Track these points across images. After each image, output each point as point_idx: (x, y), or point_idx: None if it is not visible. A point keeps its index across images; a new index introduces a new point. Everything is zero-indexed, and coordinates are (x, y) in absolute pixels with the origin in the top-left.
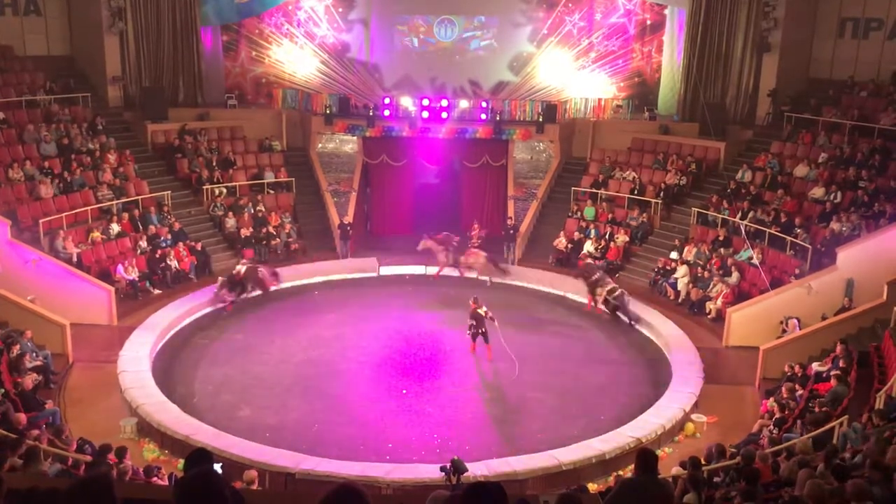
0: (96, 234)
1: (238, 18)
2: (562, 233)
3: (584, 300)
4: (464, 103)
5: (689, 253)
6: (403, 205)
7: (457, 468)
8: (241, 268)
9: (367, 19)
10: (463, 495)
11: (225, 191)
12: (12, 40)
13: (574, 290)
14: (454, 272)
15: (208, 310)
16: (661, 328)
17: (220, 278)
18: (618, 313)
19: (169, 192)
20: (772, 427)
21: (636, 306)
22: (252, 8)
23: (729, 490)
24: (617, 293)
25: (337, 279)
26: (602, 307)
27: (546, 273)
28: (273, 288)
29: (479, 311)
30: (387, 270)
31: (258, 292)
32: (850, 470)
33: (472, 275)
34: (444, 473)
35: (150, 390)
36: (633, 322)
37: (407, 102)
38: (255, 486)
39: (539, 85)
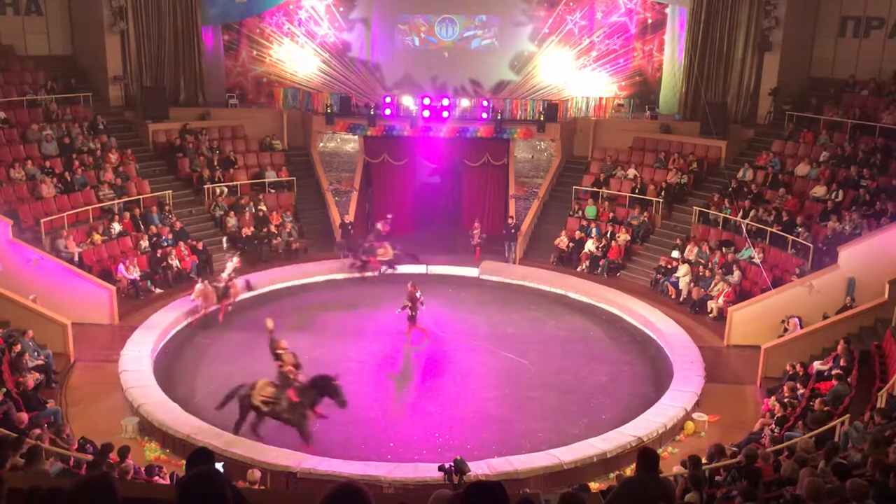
0: (97, 237)
1: (239, 18)
2: (563, 232)
3: (585, 299)
4: (465, 102)
5: (691, 252)
6: (405, 204)
7: (459, 468)
8: (227, 273)
9: (368, 18)
10: (464, 494)
11: (226, 190)
12: (13, 40)
13: (575, 289)
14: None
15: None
16: (662, 327)
17: (197, 286)
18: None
19: (170, 191)
20: (773, 426)
21: (636, 303)
22: (253, 7)
23: (730, 489)
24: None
25: (338, 278)
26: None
27: (547, 272)
28: (236, 299)
29: (416, 294)
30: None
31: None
32: (850, 469)
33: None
34: (443, 473)
35: (151, 390)
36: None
37: (408, 101)
38: (258, 486)
39: (540, 84)
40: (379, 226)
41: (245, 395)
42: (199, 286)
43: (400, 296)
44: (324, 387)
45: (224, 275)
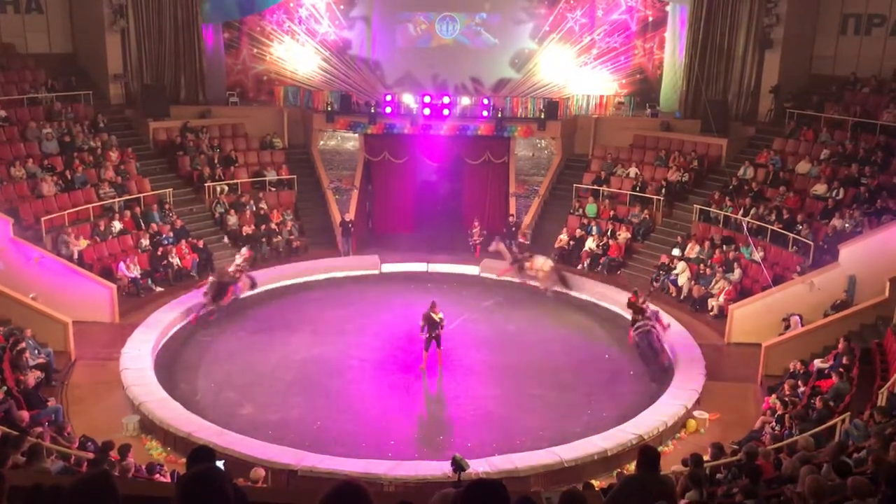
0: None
1: (240, 15)
2: (564, 230)
3: (585, 297)
4: (465, 100)
5: (692, 250)
6: (405, 202)
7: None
8: (237, 264)
9: (368, 16)
10: (464, 493)
11: (227, 188)
12: (14, 38)
13: (575, 287)
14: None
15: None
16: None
17: (210, 278)
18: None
19: (171, 189)
20: (774, 424)
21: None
22: (253, 5)
23: (731, 487)
24: (552, 264)
25: (339, 276)
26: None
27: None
28: (240, 296)
29: (433, 315)
30: (389, 268)
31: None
32: (852, 467)
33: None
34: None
35: (152, 388)
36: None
37: (408, 99)
38: (261, 485)
39: (541, 82)
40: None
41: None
42: (211, 279)
43: (399, 294)
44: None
45: (231, 268)
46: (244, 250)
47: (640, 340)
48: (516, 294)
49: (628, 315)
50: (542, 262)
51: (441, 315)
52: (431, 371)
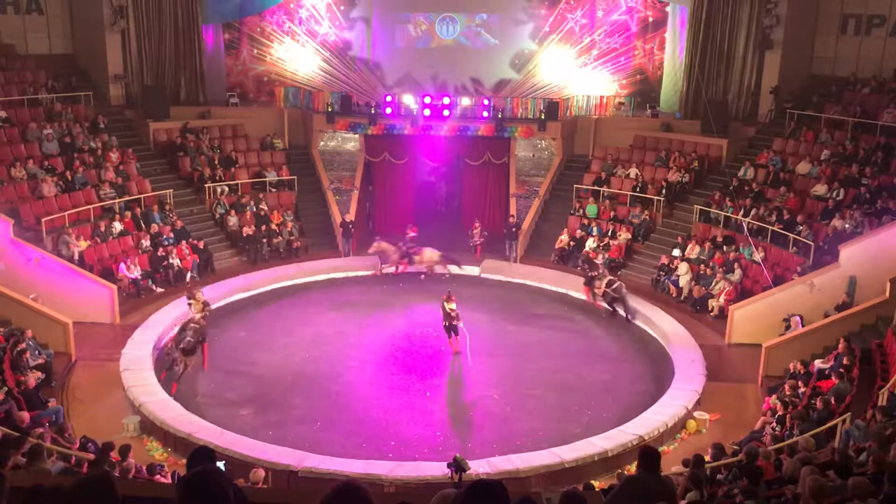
0: (97, 239)
1: (240, 16)
2: (564, 230)
3: (583, 296)
4: (466, 101)
5: (693, 250)
6: (405, 202)
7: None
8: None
9: (368, 17)
10: (465, 493)
11: (227, 189)
12: (14, 39)
13: (576, 288)
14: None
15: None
16: (663, 325)
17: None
18: (615, 307)
19: (171, 190)
20: (774, 424)
21: (635, 301)
22: (254, 6)
23: (731, 487)
24: (615, 286)
25: (339, 277)
26: (601, 301)
27: (548, 270)
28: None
29: (447, 305)
30: (389, 268)
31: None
32: (853, 467)
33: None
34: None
35: (152, 388)
36: (630, 317)
37: (409, 100)
38: (261, 485)
39: (541, 82)
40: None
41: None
42: (375, 243)
43: (399, 295)
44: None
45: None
46: (198, 295)
47: (615, 294)
48: (517, 294)
49: (623, 311)
50: (431, 253)
51: (454, 305)
52: (462, 356)
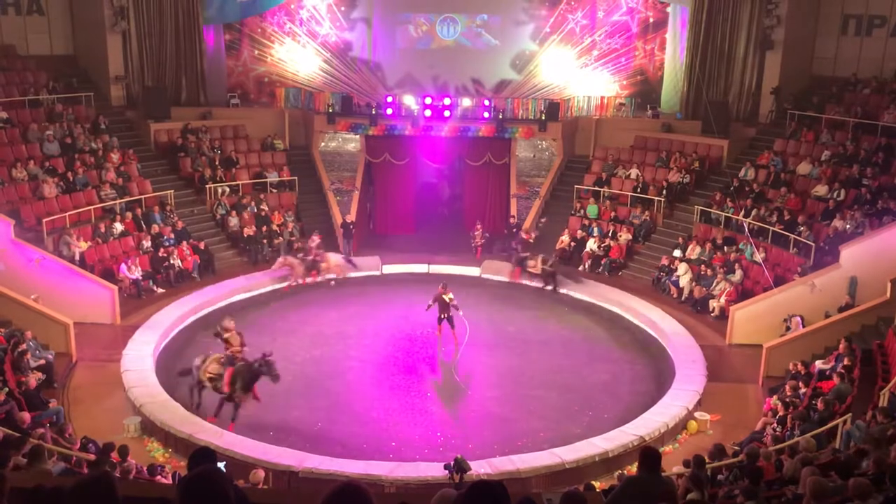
0: (98, 240)
1: (240, 17)
2: (565, 231)
3: (584, 297)
4: (466, 102)
5: (693, 251)
6: (406, 203)
7: (460, 467)
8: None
9: (369, 18)
10: (466, 494)
11: (228, 190)
12: (15, 39)
13: (576, 288)
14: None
15: (211, 308)
16: (664, 326)
17: (278, 259)
18: (548, 281)
19: (172, 191)
20: (775, 425)
21: (638, 302)
22: (254, 6)
23: (732, 488)
24: (551, 262)
25: (340, 278)
26: (527, 279)
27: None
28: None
29: (444, 297)
30: (389, 269)
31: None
32: (853, 468)
33: (331, 276)
34: (448, 472)
35: (153, 389)
36: (555, 289)
37: (409, 101)
38: (261, 486)
39: (542, 83)
40: (524, 234)
41: (197, 367)
42: (280, 259)
43: (400, 295)
44: (259, 368)
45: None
46: (315, 237)
47: (552, 269)
48: (517, 294)
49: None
50: (335, 258)
51: (451, 296)
52: (446, 346)
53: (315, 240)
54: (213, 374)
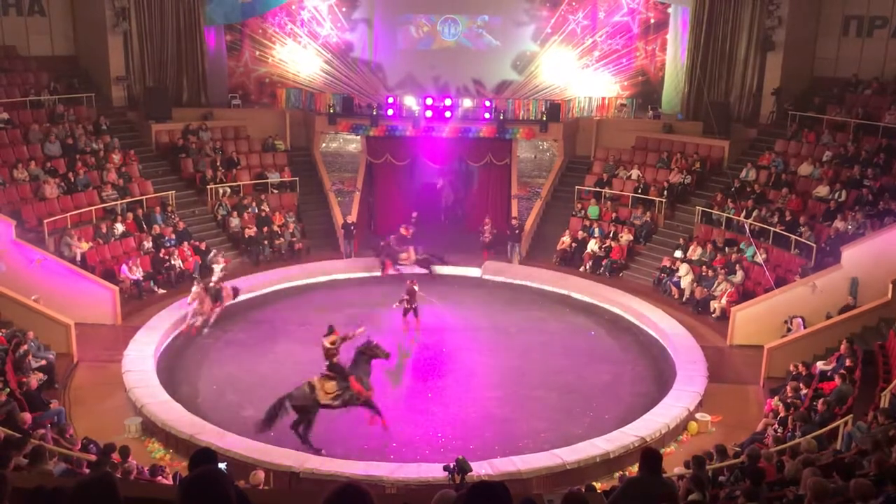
0: (99, 241)
1: (242, 18)
2: (566, 232)
3: (584, 297)
4: (467, 102)
5: (694, 252)
6: (407, 204)
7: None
8: (216, 276)
9: (370, 19)
10: (467, 495)
11: (229, 190)
12: (16, 40)
13: (577, 289)
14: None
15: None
16: (665, 327)
17: (194, 288)
18: (424, 267)
19: (173, 191)
20: (776, 426)
21: (639, 303)
22: (255, 7)
23: (733, 489)
24: (420, 250)
25: (341, 278)
26: (401, 269)
27: (549, 272)
28: (227, 304)
29: (414, 287)
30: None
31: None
32: (854, 469)
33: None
34: (447, 473)
35: (154, 390)
36: (431, 272)
37: (410, 102)
38: (262, 487)
39: (543, 84)
40: (402, 230)
41: (311, 401)
42: (195, 289)
43: (399, 294)
44: (367, 353)
45: (214, 277)
46: (221, 261)
47: (425, 255)
48: (518, 295)
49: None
50: (226, 289)
51: (416, 287)
52: (411, 334)
53: (222, 262)
54: (333, 391)
